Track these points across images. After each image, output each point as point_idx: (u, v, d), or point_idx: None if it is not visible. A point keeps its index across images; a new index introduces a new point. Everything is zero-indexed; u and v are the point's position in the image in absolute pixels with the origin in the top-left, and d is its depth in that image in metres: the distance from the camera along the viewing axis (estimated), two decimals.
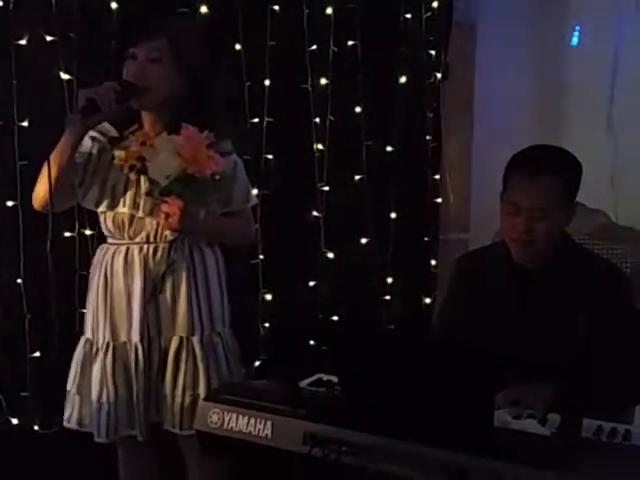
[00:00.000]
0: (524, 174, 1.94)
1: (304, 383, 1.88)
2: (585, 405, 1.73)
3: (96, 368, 2.11)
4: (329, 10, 3.00)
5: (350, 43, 3.06)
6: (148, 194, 2.04)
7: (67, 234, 2.61)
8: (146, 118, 2.13)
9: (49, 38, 2.58)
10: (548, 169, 1.93)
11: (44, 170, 2.03)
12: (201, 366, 2.11)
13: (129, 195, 2.09)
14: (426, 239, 3.32)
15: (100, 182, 2.12)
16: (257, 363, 2.86)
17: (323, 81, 3.00)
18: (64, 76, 2.59)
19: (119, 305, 2.11)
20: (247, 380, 1.95)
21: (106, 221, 2.14)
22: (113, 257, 2.12)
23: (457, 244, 3.33)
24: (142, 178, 2.04)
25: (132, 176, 2.04)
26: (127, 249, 2.11)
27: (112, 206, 2.10)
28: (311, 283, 3.04)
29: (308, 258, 3.02)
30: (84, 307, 2.24)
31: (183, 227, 2.04)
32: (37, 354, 2.60)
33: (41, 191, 2.08)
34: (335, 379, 1.81)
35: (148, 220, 2.09)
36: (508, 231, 1.99)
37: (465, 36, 3.35)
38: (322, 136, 3.01)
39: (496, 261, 2.07)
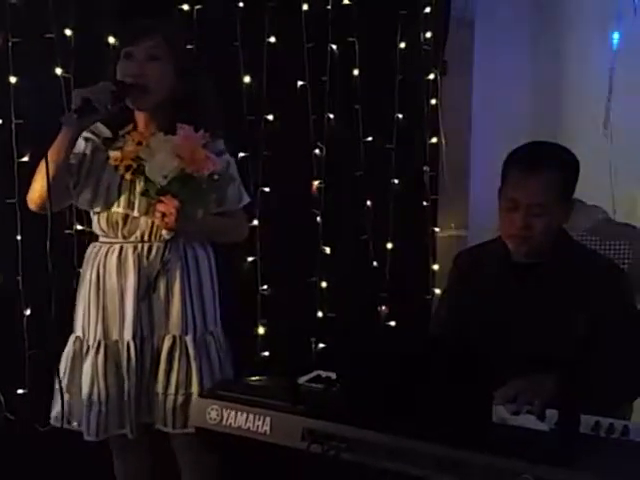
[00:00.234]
0: (523, 170, 1.94)
1: (302, 380, 1.88)
2: (583, 401, 1.73)
3: (87, 366, 2.10)
4: (327, 6, 3.00)
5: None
6: (143, 194, 2.04)
7: (66, 231, 2.61)
8: (140, 118, 2.13)
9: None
10: (547, 165, 1.93)
11: (38, 171, 2.03)
12: (194, 365, 2.11)
13: (124, 195, 2.09)
14: (424, 236, 3.32)
15: (94, 182, 2.11)
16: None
17: (321, 78, 3.00)
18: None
19: (112, 303, 2.10)
20: (245, 376, 1.95)
21: (100, 221, 2.13)
22: (106, 255, 2.12)
23: (455, 241, 3.33)
24: (138, 178, 2.03)
25: (128, 176, 2.04)
26: (121, 248, 2.11)
27: (107, 206, 2.10)
28: (309, 280, 3.04)
29: (307, 255, 3.02)
30: None
31: (179, 226, 2.04)
32: (35, 351, 2.61)
33: (36, 192, 2.07)
34: (333, 376, 1.80)
35: (143, 219, 2.09)
36: (506, 227, 1.99)
37: (463, 32, 3.34)
38: (320, 133, 3.01)
39: (494, 258, 2.07)
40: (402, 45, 3.17)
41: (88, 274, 2.14)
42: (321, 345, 2.94)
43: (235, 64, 2.86)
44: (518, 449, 1.47)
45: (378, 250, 3.17)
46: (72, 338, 2.16)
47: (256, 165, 2.89)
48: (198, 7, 2.81)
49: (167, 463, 2.23)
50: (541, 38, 3.34)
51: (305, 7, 2.97)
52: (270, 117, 2.92)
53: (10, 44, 2.58)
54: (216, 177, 2.04)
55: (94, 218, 2.16)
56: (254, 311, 2.92)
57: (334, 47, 3.03)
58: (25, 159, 2.57)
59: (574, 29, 3.28)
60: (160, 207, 2.02)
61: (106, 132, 2.13)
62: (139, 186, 2.05)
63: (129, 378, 2.09)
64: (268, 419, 1.69)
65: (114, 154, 2.05)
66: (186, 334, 2.12)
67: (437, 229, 3.34)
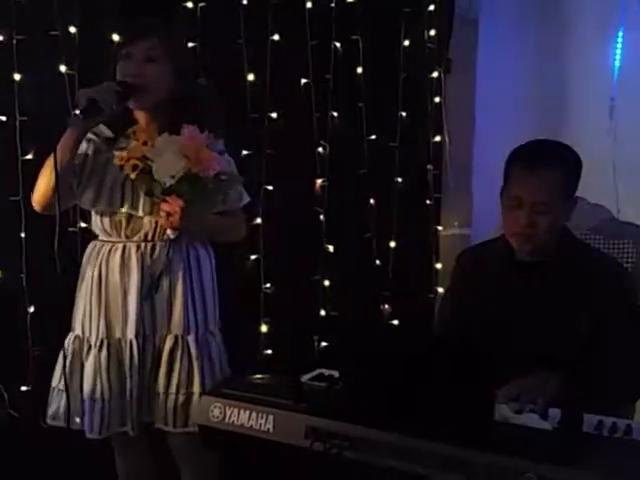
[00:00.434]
0: (526, 168, 1.94)
1: (305, 378, 1.87)
2: (586, 400, 1.72)
3: (89, 364, 2.10)
4: (331, 4, 3.00)
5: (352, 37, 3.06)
6: (147, 194, 2.04)
7: (70, 229, 2.61)
8: (141, 118, 2.13)
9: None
10: (550, 163, 1.93)
11: (42, 173, 2.04)
12: (196, 365, 2.12)
13: (128, 195, 2.09)
14: (427, 234, 3.31)
15: (97, 183, 2.11)
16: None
17: (325, 76, 3.00)
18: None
19: (114, 302, 2.10)
20: (248, 375, 1.95)
21: (102, 221, 2.13)
22: (109, 254, 2.11)
23: (459, 239, 3.32)
24: (144, 178, 2.03)
25: (134, 176, 2.03)
26: (124, 246, 2.11)
27: (110, 206, 2.10)
28: (312, 278, 3.04)
29: (310, 254, 3.02)
30: None
31: (183, 226, 2.04)
32: (39, 348, 2.61)
33: (41, 193, 2.07)
34: (336, 374, 1.80)
35: (147, 219, 2.09)
36: (510, 225, 1.99)
37: (467, 30, 3.34)
38: (324, 131, 3.01)
39: (498, 256, 2.07)
40: (406, 43, 3.17)
41: (89, 272, 2.14)
42: (324, 343, 2.94)
43: (239, 62, 2.86)
44: (521, 448, 1.47)
45: (381, 248, 3.17)
46: (71, 337, 2.16)
47: (259, 163, 2.89)
48: (202, 4, 2.81)
49: (167, 463, 2.24)
50: (545, 36, 3.34)
51: (309, 5, 2.97)
52: (274, 115, 2.92)
53: (14, 41, 2.58)
54: (223, 177, 2.06)
55: (96, 218, 2.15)
56: (257, 309, 2.92)
57: (338, 45, 3.03)
58: (29, 157, 2.58)
59: (578, 27, 3.28)
60: (165, 207, 2.02)
61: (107, 132, 2.14)
62: (144, 186, 2.04)
63: (131, 376, 2.09)
64: (271, 417, 1.69)
65: (119, 154, 2.06)
66: (188, 334, 2.12)
67: (440, 228, 3.34)
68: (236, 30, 2.84)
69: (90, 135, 2.12)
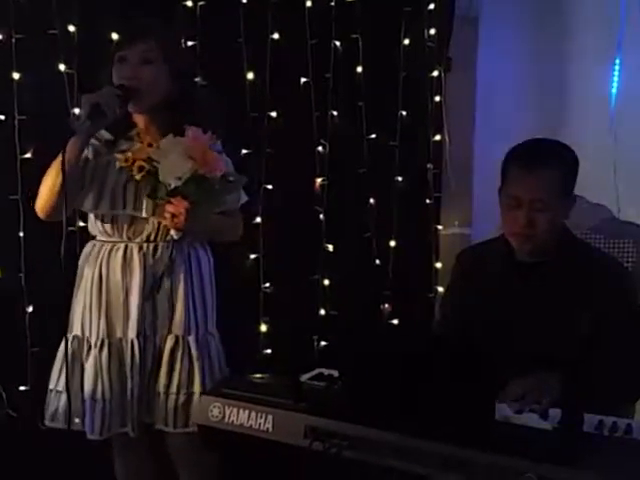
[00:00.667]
0: (523, 167, 1.93)
1: (305, 377, 1.87)
2: (586, 400, 1.72)
3: (89, 365, 2.09)
4: (331, 3, 3.00)
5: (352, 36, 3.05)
6: (151, 195, 2.03)
7: (70, 228, 2.60)
8: (140, 121, 2.13)
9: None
10: (547, 161, 1.93)
11: (44, 181, 2.03)
12: (196, 365, 2.11)
13: (130, 197, 2.08)
14: (427, 234, 3.31)
15: (98, 185, 2.10)
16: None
17: (325, 75, 3.00)
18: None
19: (115, 301, 2.10)
20: (248, 374, 1.95)
21: (104, 223, 2.12)
22: (110, 254, 2.11)
23: (459, 239, 3.32)
24: (149, 179, 2.02)
25: (139, 177, 2.03)
26: (126, 247, 2.10)
27: (112, 208, 2.09)
28: (312, 278, 3.04)
29: (310, 253, 3.01)
30: None
31: (187, 227, 2.04)
32: (37, 348, 2.61)
33: (44, 200, 2.05)
34: (336, 374, 1.80)
35: (149, 221, 2.09)
36: (509, 225, 1.98)
37: (467, 29, 3.33)
38: (323, 131, 3.01)
39: (498, 256, 2.06)
40: (406, 42, 3.17)
41: (89, 272, 2.13)
42: (323, 343, 2.93)
43: (238, 61, 2.85)
44: (521, 448, 1.47)
45: (381, 248, 3.16)
46: (69, 337, 2.14)
47: (259, 162, 2.88)
48: (201, 3, 2.80)
49: (167, 464, 2.23)
50: (545, 35, 3.33)
51: (309, 3, 2.97)
52: (273, 114, 2.92)
53: (13, 40, 2.58)
54: (231, 179, 2.06)
55: (97, 221, 2.13)
56: (256, 309, 2.92)
57: (338, 44, 3.03)
58: (28, 155, 2.58)
59: (578, 26, 3.27)
60: (170, 208, 2.02)
61: (106, 135, 2.13)
62: (149, 187, 2.04)
63: (132, 376, 2.08)
64: (270, 417, 1.69)
65: (122, 156, 2.05)
66: (189, 334, 2.12)
67: (440, 227, 3.33)
68: (236, 29, 2.84)
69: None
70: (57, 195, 1.99)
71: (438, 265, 3.27)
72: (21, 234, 2.59)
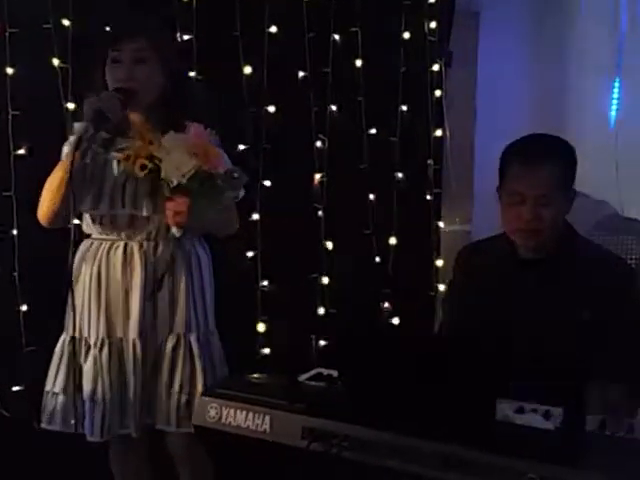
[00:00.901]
0: (524, 163, 1.93)
1: (303, 377, 1.86)
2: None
3: (88, 365, 2.08)
4: None
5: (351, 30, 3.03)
6: (152, 194, 2.02)
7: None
8: (135, 119, 2.12)
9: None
10: (547, 155, 1.94)
11: (46, 188, 2.04)
12: (198, 363, 2.11)
13: (129, 195, 2.07)
14: (428, 231, 3.29)
15: (97, 185, 2.09)
16: None
17: (323, 69, 2.97)
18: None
19: (115, 301, 2.09)
20: (246, 374, 1.93)
21: (102, 222, 2.11)
22: (109, 252, 2.09)
23: (460, 236, 3.30)
24: (152, 177, 2.01)
25: (142, 175, 2.01)
26: (125, 245, 2.10)
27: (112, 208, 2.08)
28: (310, 276, 3.01)
29: (309, 251, 2.99)
30: None
31: (188, 224, 2.03)
32: (31, 348, 2.58)
33: (46, 207, 2.05)
34: (335, 374, 1.78)
35: (150, 219, 2.08)
36: (513, 222, 1.97)
37: (468, 24, 3.31)
38: (322, 126, 2.98)
39: (500, 253, 2.06)
40: (406, 36, 3.15)
41: (86, 271, 2.11)
42: (322, 342, 2.91)
43: (235, 54, 2.83)
44: (523, 448, 1.46)
45: (381, 245, 3.15)
46: (66, 338, 2.13)
47: (257, 158, 2.86)
48: None
49: (167, 463, 2.22)
50: (546, 30, 3.32)
51: None
52: (271, 109, 2.90)
53: (7, 34, 2.56)
54: (236, 175, 2.05)
55: (95, 220, 2.12)
56: (254, 308, 2.89)
57: (336, 37, 3.00)
58: (21, 151, 2.56)
59: (579, 20, 3.27)
60: (171, 205, 2.01)
61: (103, 134, 2.11)
62: (150, 185, 2.02)
63: (135, 375, 2.07)
64: (268, 417, 1.68)
65: (122, 154, 2.04)
66: (190, 333, 2.12)
67: (441, 224, 3.31)
68: (232, 22, 2.81)
69: None
70: (60, 202, 2.00)
71: (439, 263, 3.25)
72: (14, 232, 2.57)
